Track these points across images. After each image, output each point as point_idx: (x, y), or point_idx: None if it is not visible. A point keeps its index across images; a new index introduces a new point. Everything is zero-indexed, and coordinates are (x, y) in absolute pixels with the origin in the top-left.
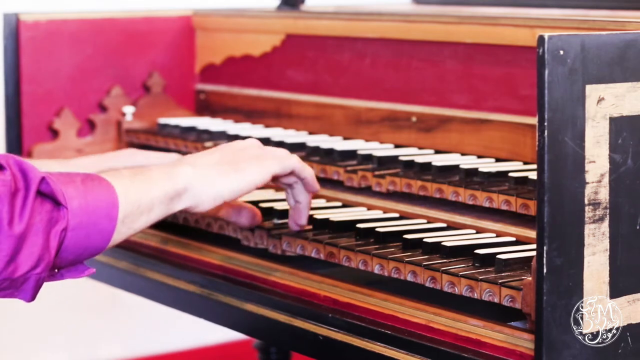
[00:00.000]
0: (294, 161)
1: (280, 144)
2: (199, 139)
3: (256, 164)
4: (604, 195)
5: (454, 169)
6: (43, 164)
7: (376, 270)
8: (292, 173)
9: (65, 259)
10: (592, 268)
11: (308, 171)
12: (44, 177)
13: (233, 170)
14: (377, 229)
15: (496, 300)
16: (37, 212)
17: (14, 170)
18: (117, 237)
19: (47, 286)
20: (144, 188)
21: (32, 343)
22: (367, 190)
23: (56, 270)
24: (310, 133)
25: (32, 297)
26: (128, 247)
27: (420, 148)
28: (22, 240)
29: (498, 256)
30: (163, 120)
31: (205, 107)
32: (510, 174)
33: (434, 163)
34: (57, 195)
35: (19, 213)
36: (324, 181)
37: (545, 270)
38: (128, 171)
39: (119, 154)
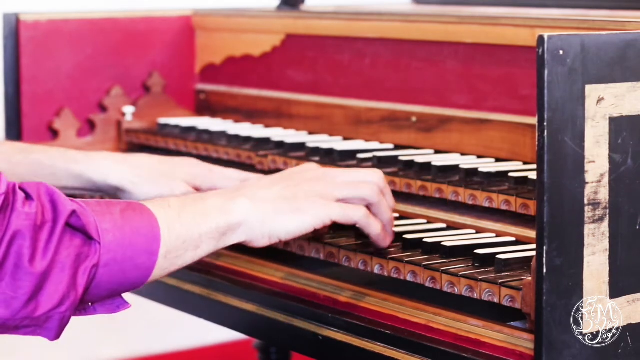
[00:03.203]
0: (359, 215)
1: (280, 144)
2: (199, 139)
3: (318, 206)
4: (603, 195)
5: (454, 169)
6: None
7: (376, 270)
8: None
9: (97, 295)
10: (592, 268)
11: (374, 228)
12: (75, 210)
13: (291, 210)
14: None
15: (496, 300)
16: (65, 247)
17: (44, 200)
18: (159, 272)
19: None
20: (193, 222)
21: (32, 343)
22: None
23: (89, 304)
24: (310, 133)
25: (56, 336)
26: None
27: (420, 148)
28: (44, 278)
29: (498, 256)
30: (163, 120)
31: (205, 107)
32: (510, 174)
33: (434, 163)
34: (89, 229)
35: (43, 248)
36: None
37: (545, 270)
38: (177, 201)
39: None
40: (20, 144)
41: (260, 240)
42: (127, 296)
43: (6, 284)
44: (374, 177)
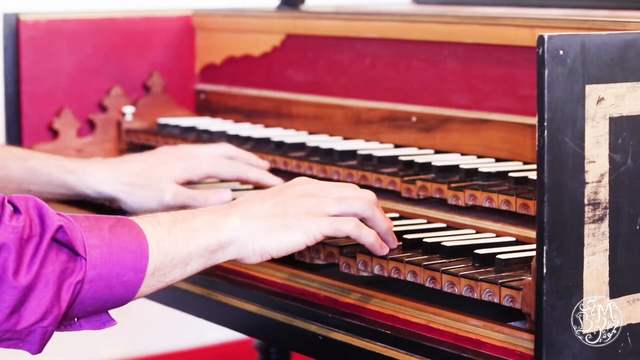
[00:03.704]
0: (350, 227)
1: (280, 144)
2: (199, 139)
3: (307, 223)
4: (603, 195)
5: (454, 169)
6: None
7: (376, 270)
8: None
9: (82, 310)
10: (592, 268)
11: (366, 238)
12: (62, 225)
13: (282, 227)
14: None
15: (496, 300)
16: (50, 262)
17: (32, 214)
18: (145, 289)
19: None
20: (182, 239)
21: None
22: None
23: (75, 320)
24: (310, 133)
25: (38, 350)
26: None
27: (420, 148)
28: (28, 292)
29: (498, 256)
30: (163, 120)
31: (205, 107)
32: (510, 174)
33: (434, 163)
34: (76, 244)
35: (28, 262)
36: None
37: (545, 270)
38: (167, 217)
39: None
40: (18, 150)
41: (252, 257)
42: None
43: None
44: (366, 193)
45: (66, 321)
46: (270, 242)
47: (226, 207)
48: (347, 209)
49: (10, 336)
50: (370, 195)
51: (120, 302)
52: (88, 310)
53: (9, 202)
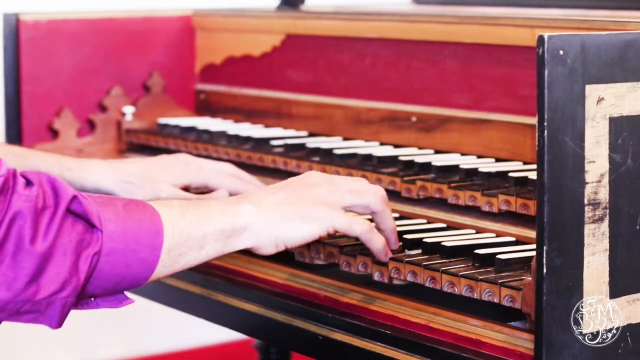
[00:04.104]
0: (363, 228)
1: (280, 144)
2: (199, 139)
3: (324, 213)
4: (603, 195)
5: (454, 169)
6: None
7: (376, 274)
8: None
9: (100, 286)
10: (592, 268)
11: (376, 243)
12: (76, 196)
13: (298, 217)
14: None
15: (496, 300)
16: (67, 232)
17: (45, 187)
18: (162, 269)
19: None
20: (196, 222)
21: (32, 343)
22: None
23: (92, 299)
24: (310, 133)
25: (58, 324)
26: None
27: (420, 148)
28: (46, 260)
29: (498, 256)
30: (163, 120)
31: (205, 107)
32: (510, 174)
33: (434, 163)
34: (91, 216)
35: (44, 231)
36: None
37: (545, 270)
38: (180, 202)
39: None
40: (18, 148)
41: (268, 247)
42: (129, 295)
43: (7, 265)
44: (378, 188)
45: (84, 300)
46: (287, 232)
47: (237, 198)
48: (360, 201)
49: (30, 308)
50: (381, 190)
51: (137, 280)
52: (105, 286)
53: (22, 175)
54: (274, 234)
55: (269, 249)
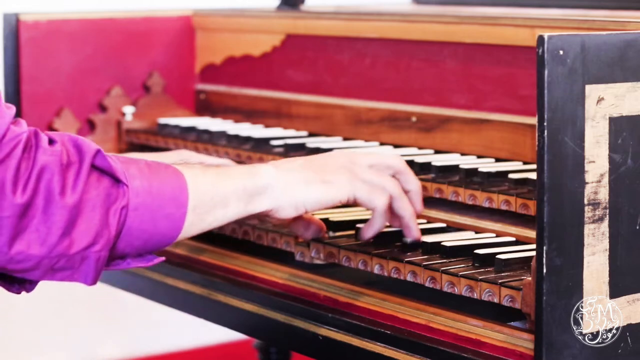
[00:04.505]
0: (382, 202)
1: (280, 144)
2: (199, 139)
3: (345, 180)
4: (603, 195)
5: (454, 169)
6: None
7: (376, 270)
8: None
9: (130, 243)
10: (592, 268)
11: (379, 224)
12: (100, 150)
13: (319, 180)
14: None
15: (496, 300)
16: (94, 187)
17: (68, 146)
18: (189, 228)
19: (47, 286)
20: (218, 180)
21: (32, 343)
22: None
23: (123, 259)
24: (310, 133)
25: (93, 280)
26: None
27: (420, 148)
28: (76, 213)
29: (498, 256)
30: (163, 120)
31: (205, 107)
32: (510, 174)
33: (433, 163)
34: (116, 171)
35: (72, 184)
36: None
37: (545, 270)
38: (200, 166)
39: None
40: None
41: (287, 209)
42: (129, 295)
43: (39, 220)
44: (398, 162)
45: (115, 260)
46: (307, 193)
47: (255, 164)
48: (374, 201)
49: (64, 264)
50: (399, 161)
51: (166, 238)
52: (135, 244)
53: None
54: (294, 196)
55: (289, 211)
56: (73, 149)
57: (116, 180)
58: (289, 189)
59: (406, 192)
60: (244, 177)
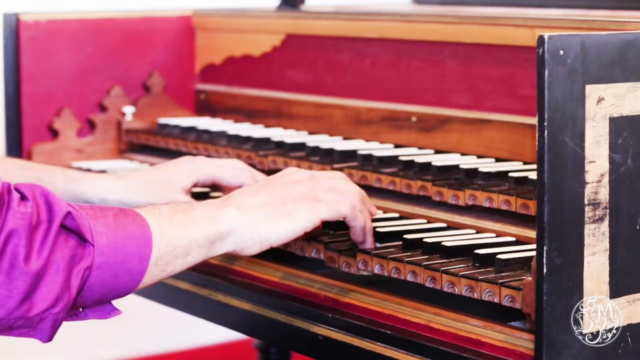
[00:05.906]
0: (346, 208)
1: (280, 144)
2: (199, 139)
3: (306, 208)
4: (603, 195)
5: (454, 169)
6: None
7: (376, 270)
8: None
9: (89, 298)
10: (592, 268)
11: (358, 221)
12: (70, 212)
13: (281, 214)
14: (377, 229)
15: (496, 300)
16: (60, 249)
17: (39, 201)
18: (149, 279)
19: None
20: (183, 229)
21: (32, 343)
22: (367, 190)
23: (80, 310)
24: (310, 133)
25: (49, 337)
26: None
27: (420, 148)
28: (39, 278)
29: (498, 256)
30: (163, 120)
31: (205, 107)
32: (510, 174)
33: (434, 163)
34: (83, 231)
35: (38, 248)
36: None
37: (545, 270)
38: (168, 208)
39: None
40: (22, 161)
41: (251, 247)
42: (129, 296)
43: (1, 283)
44: (356, 188)
45: (72, 311)
46: (270, 230)
47: (222, 200)
48: (339, 211)
49: (22, 324)
50: (360, 190)
51: (125, 290)
52: (95, 298)
53: (16, 189)
54: (257, 234)
55: (253, 249)
56: (44, 205)
57: (83, 240)
58: (252, 228)
59: (350, 227)
60: (207, 224)
